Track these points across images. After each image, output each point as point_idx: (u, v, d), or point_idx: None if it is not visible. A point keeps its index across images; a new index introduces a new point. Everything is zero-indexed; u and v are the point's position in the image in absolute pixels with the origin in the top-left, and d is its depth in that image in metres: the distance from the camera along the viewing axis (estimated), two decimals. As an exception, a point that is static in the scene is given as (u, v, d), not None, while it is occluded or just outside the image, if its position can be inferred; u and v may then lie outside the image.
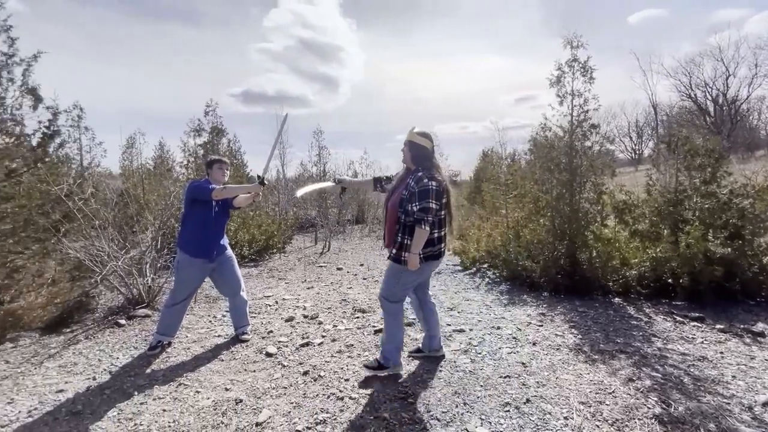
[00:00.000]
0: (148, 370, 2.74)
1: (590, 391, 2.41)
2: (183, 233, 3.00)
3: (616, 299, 4.24)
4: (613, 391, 2.41)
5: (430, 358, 2.88)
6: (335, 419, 2.16)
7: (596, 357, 2.88)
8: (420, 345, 2.94)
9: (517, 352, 2.97)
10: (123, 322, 3.64)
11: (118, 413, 2.23)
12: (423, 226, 2.39)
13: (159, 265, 4.36)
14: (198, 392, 2.45)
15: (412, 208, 2.41)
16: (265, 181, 3.03)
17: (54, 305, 3.64)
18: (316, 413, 2.21)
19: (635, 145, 36.97)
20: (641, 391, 2.39)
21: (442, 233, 2.59)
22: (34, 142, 4.01)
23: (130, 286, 3.99)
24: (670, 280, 4.12)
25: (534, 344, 3.11)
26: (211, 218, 3.02)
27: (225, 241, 3.23)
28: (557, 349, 3.03)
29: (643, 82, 43.93)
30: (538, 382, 2.53)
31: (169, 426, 2.11)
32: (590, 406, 2.25)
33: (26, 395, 2.42)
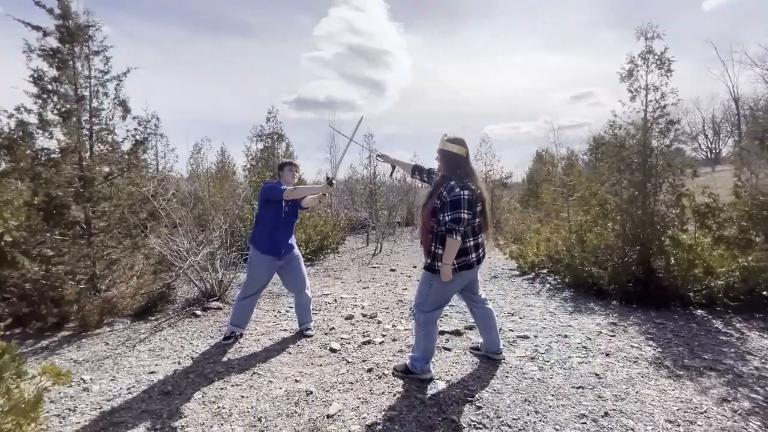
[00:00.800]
0: (225, 359, 2.94)
1: (677, 409, 2.22)
2: (255, 231, 3.19)
3: (699, 311, 3.87)
4: (705, 411, 2.20)
5: (493, 362, 2.81)
6: (403, 417, 2.18)
7: (681, 373, 2.64)
8: (480, 344, 2.94)
9: (589, 362, 2.81)
10: (199, 313, 3.94)
11: (202, 396, 2.41)
12: (455, 237, 2.33)
13: (228, 261, 4.66)
14: (271, 382, 2.59)
15: (444, 218, 2.36)
16: (333, 182, 3.14)
17: (140, 295, 4.03)
18: (383, 410, 2.25)
19: (711, 143, 33.50)
20: (739, 414, 2.16)
21: (479, 241, 2.53)
22: (124, 149, 4.48)
23: (204, 280, 4.31)
24: (765, 293, 3.69)
25: (607, 355, 2.92)
26: (281, 218, 3.19)
27: (293, 240, 3.39)
28: (634, 361, 2.82)
29: (721, 74, 39.64)
30: (615, 395, 2.37)
31: (248, 411, 2.24)
32: (679, 426, 2.07)
33: (125, 374, 2.70)
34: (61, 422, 2.14)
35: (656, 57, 4.14)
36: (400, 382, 2.57)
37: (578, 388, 2.46)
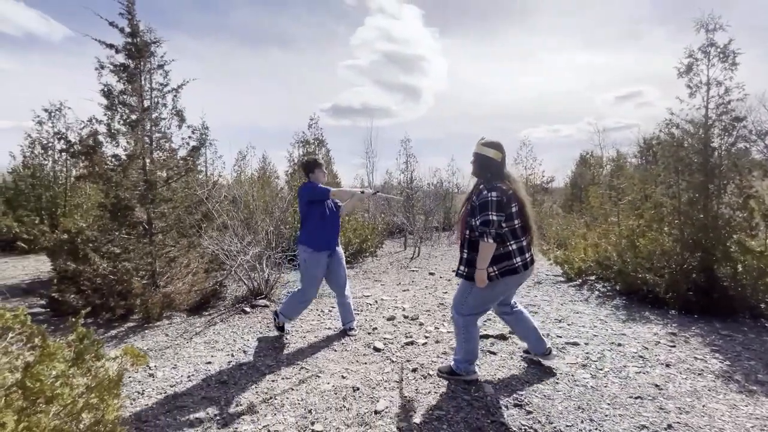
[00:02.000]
0: (274, 354, 3.06)
1: (752, 426, 2.05)
2: (304, 231, 3.31)
3: (773, 324, 3.54)
4: (786, 430, 2.01)
5: (542, 367, 2.73)
6: (451, 417, 2.16)
7: (754, 388, 2.43)
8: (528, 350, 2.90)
9: (647, 372, 2.65)
10: (248, 309, 4.12)
11: (255, 387, 2.53)
12: (486, 240, 2.28)
13: (274, 261, 4.85)
14: (318, 377, 2.66)
15: (475, 223, 2.35)
16: (378, 193, 3.38)
17: (194, 292, 4.29)
18: (431, 409, 2.25)
19: (779, 143, 30.51)
20: (827, 435, 1.95)
21: (522, 244, 2.42)
22: (180, 155, 4.81)
23: (252, 279, 4.52)
24: None
25: (667, 366, 2.74)
26: (327, 215, 3.29)
27: (338, 238, 3.49)
28: (699, 374, 2.63)
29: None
30: (679, 407, 2.23)
31: (299, 403, 2.32)
32: (755, 443, 1.91)
33: (184, 363, 2.88)
34: (132, 403, 2.32)
35: (719, 50, 3.88)
36: (446, 383, 2.55)
37: (636, 398, 2.33)
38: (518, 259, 2.40)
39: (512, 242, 2.39)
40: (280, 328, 3.41)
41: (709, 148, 3.97)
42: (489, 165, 2.46)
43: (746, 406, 2.24)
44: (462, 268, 2.47)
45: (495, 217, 2.29)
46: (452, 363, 2.63)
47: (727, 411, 2.19)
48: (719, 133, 3.96)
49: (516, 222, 2.40)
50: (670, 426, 2.05)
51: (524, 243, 2.44)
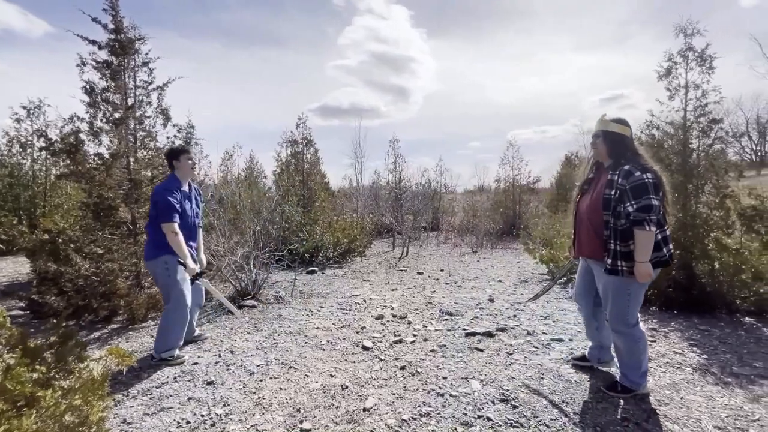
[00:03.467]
0: (262, 353, 3.04)
1: (727, 416, 2.13)
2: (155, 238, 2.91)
3: (747, 318, 3.67)
4: (758, 419, 2.09)
5: (527, 364, 2.78)
6: (439, 413, 2.19)
7: (729, 380, 2.53)
8: (586, 353, 2.71)
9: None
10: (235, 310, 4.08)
11: (243, 387, 2.51)
12: (648, 227, 2.05)
13: (262, 261, 4.82)
14: (307, 376, 2.66)
15: (627, 209, 2.10)
16: (200, 277, 2.92)
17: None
18: (418, 406, 2.27)
19: (756, 145, 31.60)
20: (797, 423, 2.04)
21: (667, 233, 2.21)
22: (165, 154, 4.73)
23: (239, 279, 4.48)
24: (822, 300, 3.46)
25: (648, 360, 2.82)
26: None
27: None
28: (677, 367, 2.72)
29: (767, 71, 37.36)
30: (658, 400, 2.30)
31: (287, 402, 2.32)
32: (729, 432, 1.99)
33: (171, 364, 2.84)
34: (116, 405, 2.28)
35: (697, 54, 4.01)
36: (434, 380, 2.58)
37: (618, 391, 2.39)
38: (665, 249, 2.18)
39: (658, 231, 2.15)
40: (171, 359, 2.84)
41: (687, 149, 4.09)
42: (623, 142, 2.26)
43: (722, 397, 2.33)
44: (611, 261, 2.17)
45: (656, 201, 2.07)
46: (626, 383, 2.34)
47: (703, 402, 2.27)
48: (697, 135, 4.08)
49: (661, 210, 2.17)
50: (649, 417, 2.12)
51: (667, 233, 2.23)
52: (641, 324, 2.31)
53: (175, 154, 2.91)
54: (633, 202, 2.08)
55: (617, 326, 2.28)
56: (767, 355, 2.87)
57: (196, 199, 3.08)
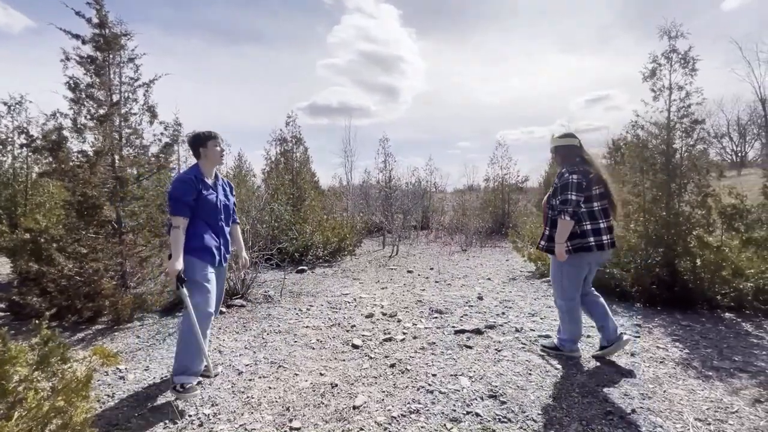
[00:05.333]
0: (251, 352, 3.02)
1: (707, 408, 2.19)
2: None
3: (727, 314, 3.78)
4: (737, 411, 2.16)
5: (515, 361, 2.81)
6: (428, 410, 2.21)
7: (710, 374, 2.60)
8: (600, 345, 2.87)
9: (614, 362, 2.78)
10: (224, 309, 4.05)
11: (232, 386, 2.49)
12: (563, 217, 2.53)
13: (251, 261, 4.78)
14: (296, 375, 2.65)
15: (555, 202, 2.62)
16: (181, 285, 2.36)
17: (167, 292, 4.17)
18: (408, 403, 2.28)
19: (737, 146, 32.43)
20: (773, 414, 2.11)
21: (600, 226, 2.61)
22: (152, 152, 4.65)
23: (228, 278, 4.43)
24: (798, 296, 3.58)
25: (632, 355, 2.89)
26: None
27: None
28: (660, 362, 2.79)
29: (747, 74, 38.34)
30: (642, 393, 2.35)
31: (276, 401, 2.31)
32: (710, 424, 2.04)
33: (157, 365, 2.80)
34: (101, 407, 2.24)
35: (680, 56, 4.10)
36: (424, 377, 2.60)
37: (604, 386, 2.44)
38: (592, 238, 2.60)
39: (588, 223, 2.60)
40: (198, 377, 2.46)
41: (671, 148, 4.19)
42: (570, 152, 2.71)
43: (703, 390, 2.39)
44: (543, 242, 2.76)
45: (574, 197, 2.53)
46: (556, 340, 2.89)
47: (685, 395, 2.33)
48: (680, 135, 4.18)
49: (595, 204, 2.61)
50: (634, 411, 2.16)
51: (602, 225, 2.62)
52: (577, 302, 2.76)
53: (202, 141, 2.51)
54: (559, 197, 2.59)
55: (555, 297, 2.85)
56: (746, 350, 2.96)
57: (224, 190, 2.68)
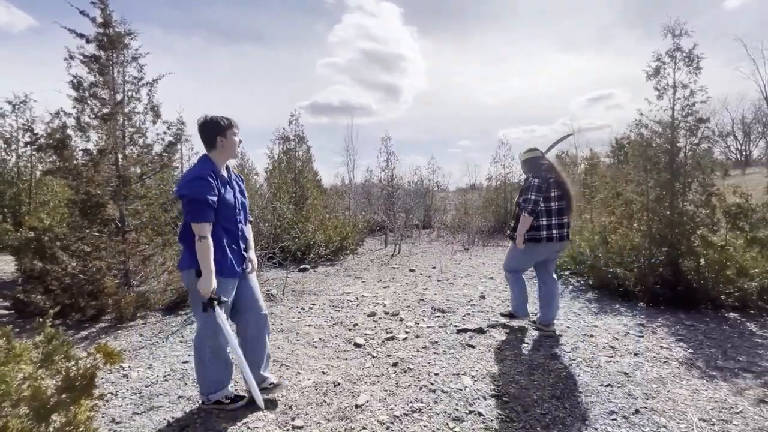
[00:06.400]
0: (253, 351, 3.02)
1: (711, 409, 2.18)
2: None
3: (731, 314, 3.76)
4: (741, 411, 2.14)
5: (519, 360, 2.81)
6: (431, 409, 2.20)
7: (714, 374, 2.58)
8: (536, 317, 3.46)
9: (617, 361, 2.77)
10: (226, 308, 4.05)
11: (235, 384, 2.49)
12: (524, 214, 3.11)
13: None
14: (299, 373, 2.65)
15: (520, 201, 3.21)
16: (214, 305, 2.00)
17: (170, 291, 4.18)
18: (410, 402, 2.28)
19: (741, 144, 32.19)
20: (778, 415, 2.10)
21: (552, 222, 3.13)
22: (155, 151, 4.66)
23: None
24: (803, 295, 3.55)
25: (636, 355, 2.88)
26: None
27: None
28: (664, 361, 2.77)
29: (752, 72, 37.98)
30: (646, 393, 2.34)
31: (279, 400, 2.31)
32: (714, 425, 2.03)
33: (160, 363, 2.82)
34: (105, 405, 2.25)
35: (684, 54, 4.07)
36: (426, 376, 2.59)
37: (607, 385, 2.43)
38: (544, 232, 3.13)
39: (544, 219, 3.13)
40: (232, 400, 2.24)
41: (675, 147, 4.16)
42: (533, 164, 3.27)
43: (707, 390, 2.38)
44: (509, 232, 3.37)
45: (533, 196, 3.08)
46: (510, 309, 3.51)
47: (689, 395, 2.32)
48: (684, 134, 4.15)
49: (553, 204, 3.13)
50: (637, 411, 2.16)
51: (553, 222, 3.13)
52: (521, 277, 3.41)
53: (221, 129, 2.09)
54: (522, 197, 3.17)
55: (504, 269, 3.45)
56: (750, 350, 2.95)
57: (238, 185, 2.26)
